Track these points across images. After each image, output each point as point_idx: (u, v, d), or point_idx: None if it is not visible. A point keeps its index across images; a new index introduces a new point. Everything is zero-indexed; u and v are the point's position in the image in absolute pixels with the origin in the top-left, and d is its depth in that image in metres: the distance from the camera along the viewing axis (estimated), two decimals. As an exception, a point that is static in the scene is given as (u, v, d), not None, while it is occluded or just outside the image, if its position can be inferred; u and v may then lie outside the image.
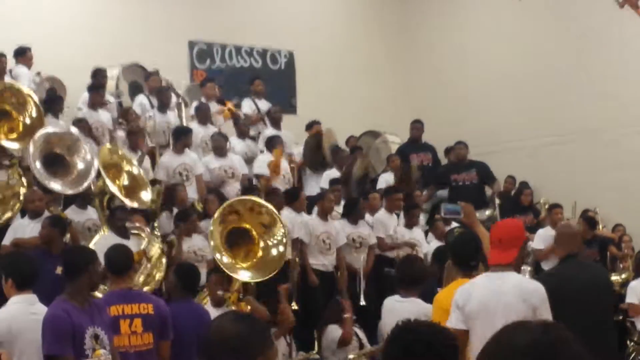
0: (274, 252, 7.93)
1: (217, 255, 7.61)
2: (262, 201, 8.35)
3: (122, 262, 6.49)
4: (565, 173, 14.89)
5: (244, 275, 7.75)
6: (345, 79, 16.77)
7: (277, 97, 14.92)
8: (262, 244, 8.08)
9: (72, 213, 9.59)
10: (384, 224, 11.41)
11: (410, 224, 11.60)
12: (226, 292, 7.61)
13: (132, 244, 8.46)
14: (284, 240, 7.93)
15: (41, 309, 5.77)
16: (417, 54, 17.73)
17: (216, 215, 7.85)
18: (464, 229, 6.24)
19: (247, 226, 8.12)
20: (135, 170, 9.91)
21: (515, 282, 5.30)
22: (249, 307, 7.57)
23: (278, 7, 16.46)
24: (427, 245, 11.37)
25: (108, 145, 10.34)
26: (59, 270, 7.63)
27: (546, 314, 5.12)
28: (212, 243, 7.74)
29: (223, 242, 7.83)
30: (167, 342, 6.36)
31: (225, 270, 7.56)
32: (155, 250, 8.99)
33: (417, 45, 17.73)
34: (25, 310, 5.83)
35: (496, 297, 5.20)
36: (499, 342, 2.37)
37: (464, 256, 5.89)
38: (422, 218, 12.94)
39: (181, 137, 11.47)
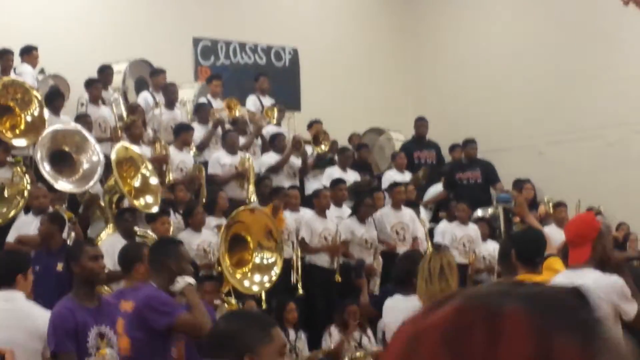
0: (264, 261, 8.25)
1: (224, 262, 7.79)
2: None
3: (124, 261, 6.49)
4: (570, 171, 14.88)
5: (247, 284, 8.00)
6: (350, 76, 16.75)
7: (281, 94, 14.91)
8: (255, 254, 8.37)
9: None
10: (382, 222, 11.40)
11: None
12: (223, 300, 7.67)
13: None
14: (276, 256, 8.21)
15: (18, 306, 5.79)
16: (422, 51, 17.70)
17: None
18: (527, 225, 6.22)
19: (248, 237, 8.42)
20: (152, 179, 9.86)
21: (592, 280, 5.18)
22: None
23: (283, 4, 16.45)
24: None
25: (125, 143, 10.33)
26: (59, 267, 7.66)
27: (629, 308, 5.12)
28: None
29: (226, 247, 8.04)
30: (181, 342, 6.32)
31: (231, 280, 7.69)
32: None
33: (422, 43, 17.70)
34: None
35: None
36: None
37: (530, 252, 5.79)
38: (425, 215, 12.92)
39: (180, 134, 11.50)
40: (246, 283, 8.76)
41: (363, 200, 11.22)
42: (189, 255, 6.54)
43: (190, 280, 5.83)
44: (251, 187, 11.60)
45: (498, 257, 8.73)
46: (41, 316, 5.88)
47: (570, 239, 5.48)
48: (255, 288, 8.97)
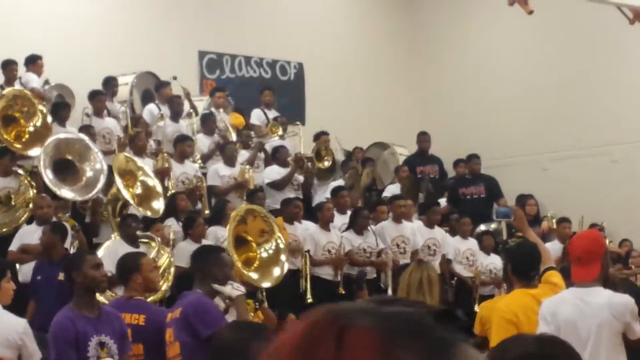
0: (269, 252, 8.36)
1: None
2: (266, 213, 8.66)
3: (122, 270, 6.46)
4: (573, 188, 14.88)
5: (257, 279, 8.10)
6: (354, 91, 16.79)
7: (286, 108, 14.95)
8: (259, 251, 8.44)
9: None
10: (383, 234, 11.43)
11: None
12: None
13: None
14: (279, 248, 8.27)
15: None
16: (427, 67, 17.74)
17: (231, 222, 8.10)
18: (523, 239, 6.20)
19: (249, 237, 8.47)
20: (150, 182, 9.98)
21: (606, 299, 5.22)
22: (260, 315, 7.67)
23: (288, 19, 16.50)
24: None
25: (125, 153, 10.42)
26: (60, 276, 7.69)
27: (638, 328, 5.10)
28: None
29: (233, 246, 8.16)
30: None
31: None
32: (164, 259, 9.03)
33: (427, 58, 17.74)
34: None
35: (585, 315, 5.14)
36: (494, 354, 2.40)
37: (524, 266, 5.79)
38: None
39: (177, 145, 11.57)
40: (257, 277, 8.70)
41: (359, 213, 11.30)
42: (231, 261, 6.63)
43: (242, 289, 5.91)
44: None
45: (502, 272, 8.75)
46: (11, 323, 5.91)
47: (578, 255, 5.38)
48: (272, 279, 8.86)
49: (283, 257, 8.84)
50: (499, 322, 5.60)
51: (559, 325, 5.10)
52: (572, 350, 2.50)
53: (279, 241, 8.80)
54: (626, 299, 5.28)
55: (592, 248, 5.41)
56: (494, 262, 11.81)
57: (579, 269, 5.33)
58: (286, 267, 9.02)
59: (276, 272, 8.75)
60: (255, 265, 8.62)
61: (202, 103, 13.87)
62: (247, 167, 12.05)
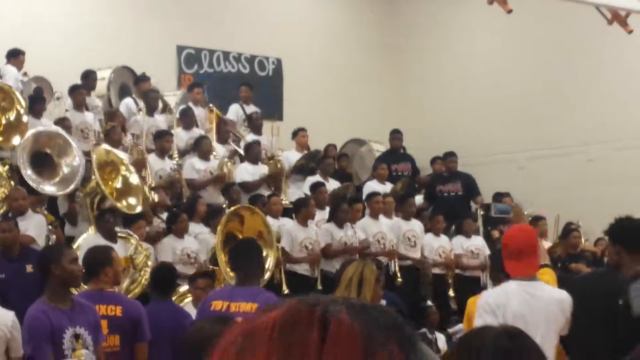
0: None
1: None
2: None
3: (93, 263, 6.39)
4: (550, 187, 14.96)
5: None
6: (332, 88, 16.81)
7: (264, 104, 14.92)
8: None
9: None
10: (364, 230, 11.44)
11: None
12: None
13: (119, 247, 8.46)
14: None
15: None
16: (405, 65, 17.79)
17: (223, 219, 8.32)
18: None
19: (240, 236, 8.60)
20: (132, 178, 9.92)
21: (552, 294, 5.24)
22: None
23: (267, 15, 16.48)
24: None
25: (106, 146, 10.37)
26: (29, 268, 7.66)
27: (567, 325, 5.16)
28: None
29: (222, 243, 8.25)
30: (143, 344, 6.32)
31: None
32: (142, 258, 9.02)
33: (406, 56, 17.79)
34: None
35: (534, 309, 5.12)
36: (464, 346, 2.41)
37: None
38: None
39: (156, 141, 11.60)
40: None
41: (339, 207, 11.30)
42: None
43: None
44: None
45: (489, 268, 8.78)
46: (1, 316, 5.89)
47: (520, 248, 5.28)
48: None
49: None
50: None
51: (507, 319, 5.01)
52: (536, 345, 2.51)
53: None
54: (567, 295, 5.29)
55: (532, 241, 5.39)
56: (477, 244, 12.12)
57: (521, 263, 5.26)
58: None
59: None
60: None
61: (174, 98, 13.79)
62: (226, 159, 12.05)
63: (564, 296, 5.28)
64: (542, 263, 5.84)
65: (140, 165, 10.89)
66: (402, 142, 14.92)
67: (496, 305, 5.17)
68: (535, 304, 5.15)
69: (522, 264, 5.27)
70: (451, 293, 11.79)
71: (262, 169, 12.34)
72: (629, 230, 5.65)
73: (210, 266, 9.42)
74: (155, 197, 10.47)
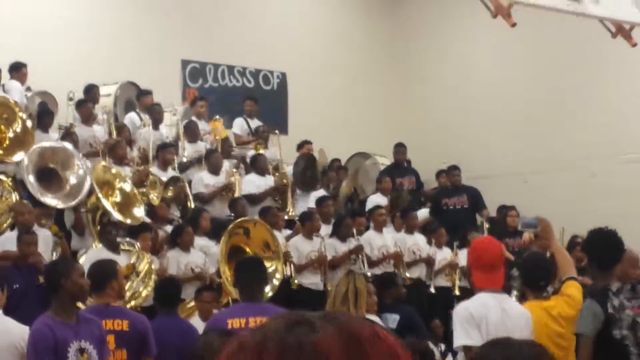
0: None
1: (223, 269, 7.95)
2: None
3: (98, 277, 6.37)
4: (554, 200, 14.94)
5: None
6: (337, 101, 16.83)
7: (269, 118, 14.94)
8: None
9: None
10: (369, 244, 11.45)
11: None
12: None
13: (122, 259, 8.48)
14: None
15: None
16: (409, 78, 17.81)
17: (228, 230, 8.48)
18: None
19: (246, 248, 8.61)
20: (127, 187, 9.97)
21: (518, 307, 5.28)
22: None
23: (272, 29, 16.52)
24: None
25: (102, 162, 10.40)
26: (41, 279, 7.68)
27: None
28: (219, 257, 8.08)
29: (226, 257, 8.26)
30: (150, 359, 6.33)
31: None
32: (144, 265, 9.02)
33: (410, 70, 17.82)
34: None
35: (506, 323, 5.14)
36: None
37: (534, 276, 5.79)
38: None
39: (159, 153, 11.63)
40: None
41: (343, 221, 11.36)
42: None
43: None
44: None
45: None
46: (17, 330, 5.88)
47: (492, 261, 5.30)
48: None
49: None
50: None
51: (490, 331, 5.04)
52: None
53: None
54: (526, 310, 5.33)
55: (502, 255, 5.43)
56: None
57: (492, 276, 5.28)
58: None
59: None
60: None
61: (175, 118, 13.79)
62: (234, 169, 12.10)
63: (527, 312, 5.33)
64: (568, 276, 5.78)
65: (143, 175, 10.91)
66: (406, 155, 14.94)
67: (478, 316, 5.19)
68: (507, 317, 5.18)
69: (493, 277, 5.29)
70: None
71: (269, 181, 12.39)
72: (599, 246, 5.70)
73: (217, 279, 9.42)
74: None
